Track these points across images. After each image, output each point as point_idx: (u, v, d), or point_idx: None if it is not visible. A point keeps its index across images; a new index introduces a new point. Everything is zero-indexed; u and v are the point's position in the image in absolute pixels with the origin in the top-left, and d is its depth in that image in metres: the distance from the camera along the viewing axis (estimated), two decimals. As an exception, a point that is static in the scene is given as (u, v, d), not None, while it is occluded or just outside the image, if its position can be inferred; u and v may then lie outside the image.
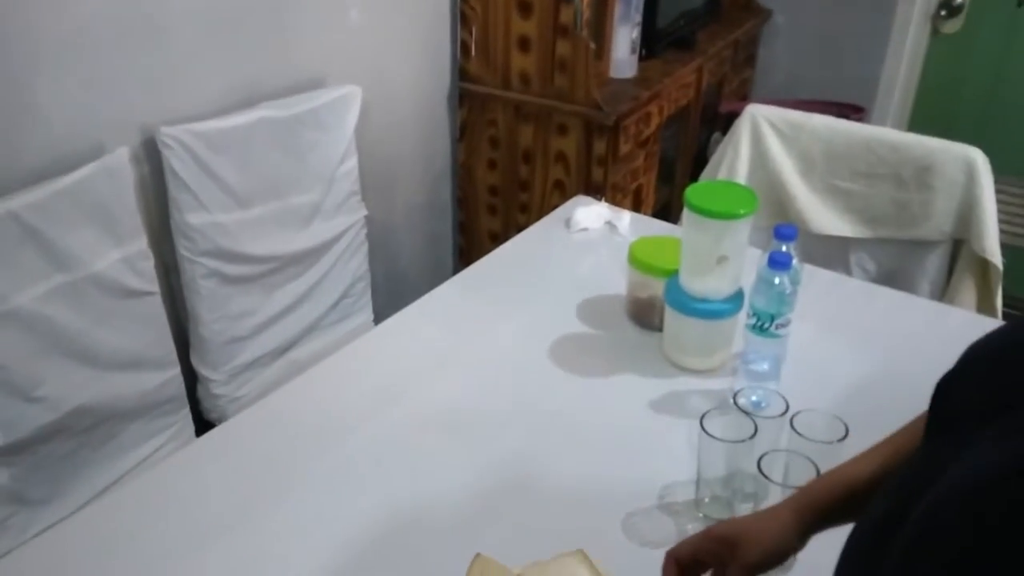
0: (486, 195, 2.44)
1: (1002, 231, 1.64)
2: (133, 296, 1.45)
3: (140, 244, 1.45)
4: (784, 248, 1.17)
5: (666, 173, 2.74)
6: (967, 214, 1.61)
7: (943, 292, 1.69)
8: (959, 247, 1.70)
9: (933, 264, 1.68)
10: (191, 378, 1.71)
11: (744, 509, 1.04)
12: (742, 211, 1.17)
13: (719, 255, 1.21)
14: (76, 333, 1.38)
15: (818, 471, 0.92)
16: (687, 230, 1.24)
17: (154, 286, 1.49)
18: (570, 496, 1.08)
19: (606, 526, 1.02)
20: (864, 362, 1.32)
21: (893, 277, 1.73)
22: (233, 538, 1.01)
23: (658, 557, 0.99)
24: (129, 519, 1.04)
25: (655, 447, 1.16)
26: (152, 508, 1.06)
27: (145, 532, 1.02)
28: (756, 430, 0.98)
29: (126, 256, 1.42)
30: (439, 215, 2.49)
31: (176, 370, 1.58)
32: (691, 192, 1.21)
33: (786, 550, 0.77)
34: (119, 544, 1.00)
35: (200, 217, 1.55)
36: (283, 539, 1.01)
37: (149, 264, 1.48)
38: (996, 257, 1.57)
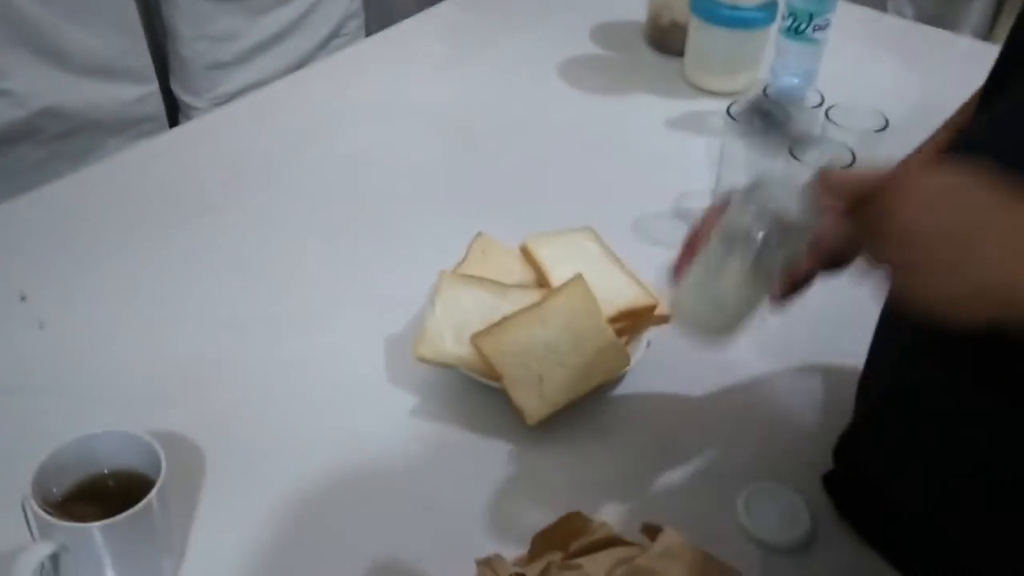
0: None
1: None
2: (103, -7, 1.32)
3: (107, -70, 1.30)
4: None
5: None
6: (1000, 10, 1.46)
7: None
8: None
9: (977, 8, 1.54)
10: (173, 107, 1.61)
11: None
12: None
13: (757, -51, 1.08)
14: (44, 26, 1.26)
15: (854, 159, 0.84)
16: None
17: (126, -16, 1.36)
18: (580, 196, 1.01)
19: (617, 224, 0.95)
20: (902, 96, 1.22)
21: (932, 22, 1.59)
22: (214, 217, 0.94)
23: (670, 257, 0.94)
24: (101, 194, 0.97)
25: (672, 160, 1.08)
26: (126, 185, 0.98)
27: (118, 207, 0.95)
28: (789, 117, 0.89)
29: (91, -59, 1.28)
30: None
31: (154, 86, 1.47)
32: None
33: None
34: (89, 217, 0.93)
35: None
36: (266, 218, 0.95)
37: (120, -43, 1.33)
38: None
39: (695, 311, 0.62)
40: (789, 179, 0.58)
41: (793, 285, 0.60)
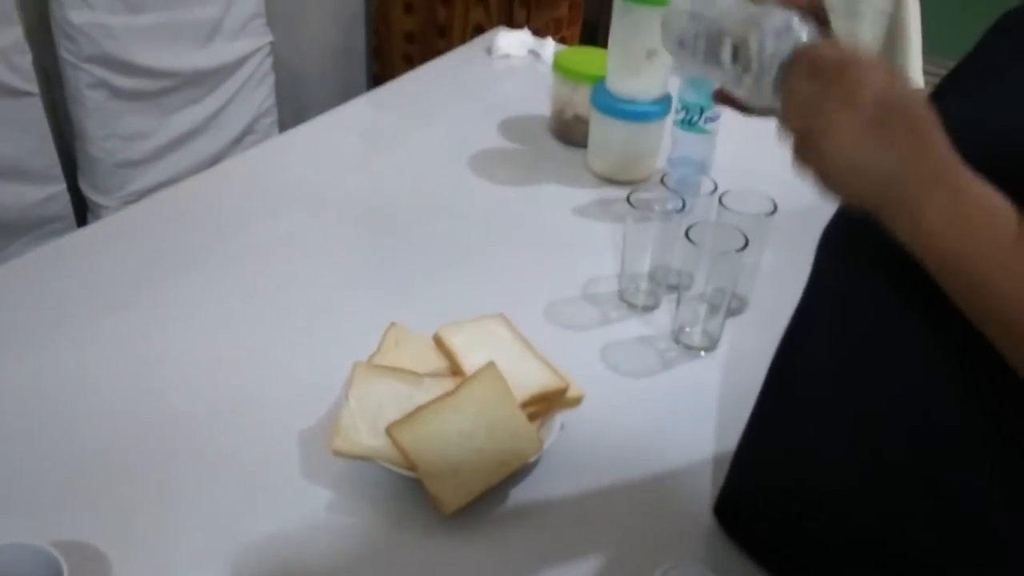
0: (402, 43, 2.32)
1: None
2: (9, 95, 1.31)
3: (14, 35, 1.30)
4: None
5: (589, 36, 2.65)
6: (892, 44, 1.60)
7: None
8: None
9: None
10: (81, 207, 1.59)
11: (668, 300, 1.01)
12: (675, -2, 1.11)
13: (648, 49, 1.15)
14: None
15: (747, 242, 0.89)
16: (616, 22, 1.18)
17: (32, 86, 1.35)
18: (492, 283, 1.03)
19: (528, 310, 0.98)
20: (791, 180, 1.30)
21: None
22: (126, 313, 0.93)
23: (580, 339, 0.98)
24: (6, 295, 0.95)
25: (579, 246, 1.12)
26: (33, 285, 0.96)
27: (25, 308, 0.93)
28: (684, 205, 0.95)
29: (-2, 46, 1.28)
30: (353, 64, 2.36)
31: (61, 187, 1.45)
32: (622, -20, 1.14)
33: None
34: (4, 314, 0.91)
35: (83, 15, 1.40)
36: (179, 314, 0.94)
37: (26, 59, 1.33)
38: (919, 85, 1.57)
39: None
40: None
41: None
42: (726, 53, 0.62)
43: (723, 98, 0.68)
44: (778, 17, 0.58)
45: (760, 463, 0.70)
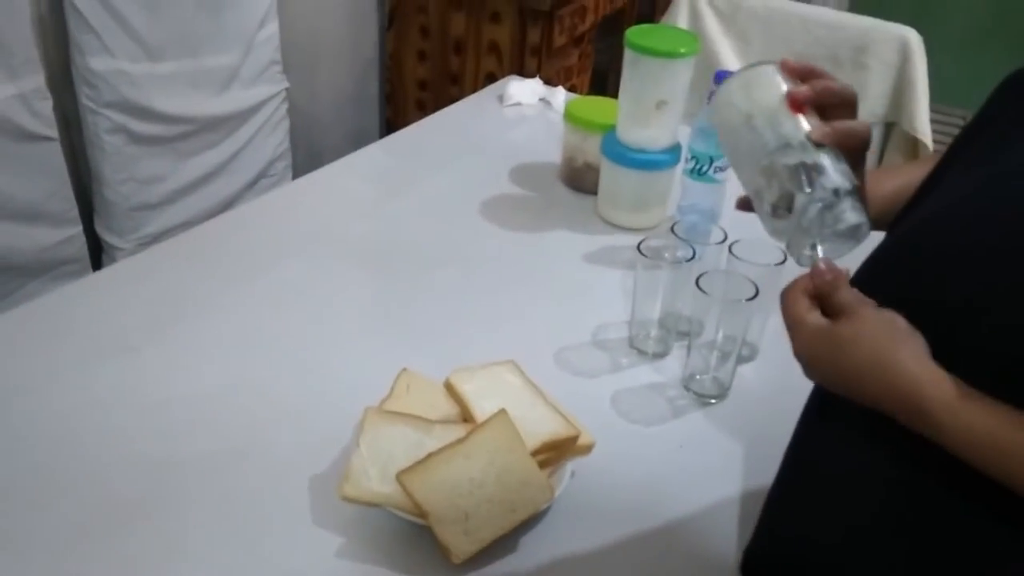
0: (415, 90, 2.35)
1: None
2: (29, 139, 1.34)
3: (37, 81, 1.33)
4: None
5: (599, 85, 2.69)
6: (900, 96, 1.62)
7: (872, 174, 1.71)
8: (890, 131, 1.71)
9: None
10: (96, 248, 1.61)
11: (679, 347, 1.01)
12: (683, 50, 1.13)
13: (658, 99, 1.17)
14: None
15: (757, 291, 0.90)
16: (627, 73, 1.19)
17: (52, 131, 1.38)
18: (502, 329, 1.04)
19: (538, 356, 0.98)
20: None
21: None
22: (139, 355, 0.94)
23: (591, 386, 0.98)
24: (21, 337, 0.95)
25: (589, 293, 1.13)
26: (47, 327, 0.97)
27: (39, 350, 0.94)
28: (694, 254, 0.96)
29: (21, 92, 1.31)
30: (366, 109, 2.39)
31: (77, 229, 1.47)
32: (632, 33, 1.16)
33: None
34: (14, 357, 0.92)
35: (104, 63, 1.43)
36: (192, 357, 0.95)
37: (47, 105, 1.36)
38: (927, 137, 1.59)
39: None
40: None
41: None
42: (771, 192, 0.63)
43: (744, 205, 0.72)
44: (830, 180, 0.60)
45: (791, 518, 0.69)
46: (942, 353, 0.54)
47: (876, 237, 0.64)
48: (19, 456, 0.80)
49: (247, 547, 0.73)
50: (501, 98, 1.67)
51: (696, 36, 1.17)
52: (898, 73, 1.61)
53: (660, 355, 1.01)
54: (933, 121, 1.67)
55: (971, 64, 2.63)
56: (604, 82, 2.73)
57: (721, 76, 1.15)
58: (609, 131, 1.26)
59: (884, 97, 1.65)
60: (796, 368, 0.66)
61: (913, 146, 1.65)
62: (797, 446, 0.68)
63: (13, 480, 0.78)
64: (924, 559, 0.58)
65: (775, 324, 1.01)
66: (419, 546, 0.73)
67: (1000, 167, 0.57)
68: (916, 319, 0.56)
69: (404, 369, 0.88)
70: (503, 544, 0.73)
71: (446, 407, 0.84)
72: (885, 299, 0.58)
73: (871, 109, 1.67)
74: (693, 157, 1.15)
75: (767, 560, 0.71)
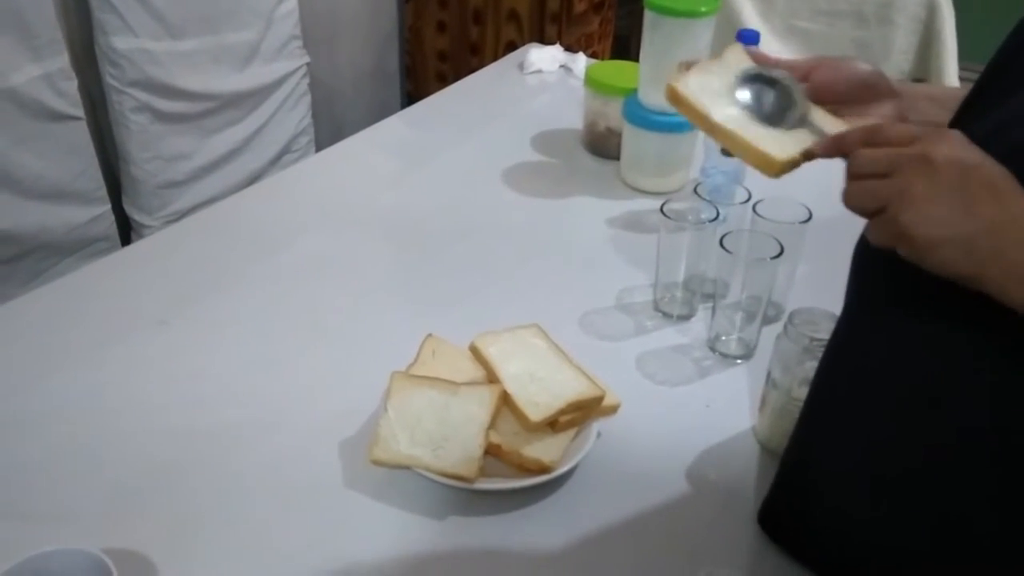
0: (435, 62, 2.35)
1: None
2: (56, 119, 1.35)
3: (61, 62, 1.35)
4: (748, 50, 1.12)
5: (621, 52, 2.66)
6: (927, 51, 1.59)
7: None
8: (917, 88, 1.67)
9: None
10: (126, 226, 1.63)
11: (703, 309, 1.01)
12: (704, 9, 1.12)
13: (679, 60, 1.16)
14: (-6, 154, 1.28)
15: (782, 249, 0.89)
16: (647, 35, 1.18)
17: (78, 111, 1.39)
18: (526, 294, 1.04)
19: (563, 320, 0.98)
20: (825, 188, 1.29)
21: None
22: (169, 328, 0.95)
23: (616, 349, 0.98)
24: (54, 314, 0.97)
25: (612, 257, 1.13)
26: (79, 302, 0.99)
27: (72, 326, 0.96)
28: (718, 214, 0.95)
29: (46, 73, 1.32)
30: (387, 82, 2.39)
31: (106, 207, 1.49)
32: (653, -7, 1.15)
33: None
34: (50, 332, 0.94)
35: (127, 42, 1.44)
36: (221, 328, 0.96)
37: (72, 85, 1.37)
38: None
39: None
40: None
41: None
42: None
43: None
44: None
45: (809, 469, 0.69)
46: None
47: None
48: (59, 426, 0.82)
49: (280, 510, 0.75)
50: (521, 66, 1.66)
51: (717, -4, 1.15)
52: (925, 27, 1.58)
53: (685, 317, 1.01)
54: (962, 80, 1.64)
55: (1002, 21, 2.57)
56: (626, 49, 2.71)
57: (744, 35, 1.13)
58: (630, 95, 1.25)
59: (911, 52, 1.62)
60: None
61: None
62: (819, 379, 0.68)
63: (55, 449, 0.80)
64: (944, 515, 0.57)
65: (800, 283, 1.00)
66: (448, 507, 0.74)
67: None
68: None
69: (430, 335, 0.88)
70: (532, 502, 0.74)
71: (472, 371, 0.85)
72: None
73: (898, 65, 1.64)
74: (716, 118, 1.14)
75: (785, 508, 0.71)
